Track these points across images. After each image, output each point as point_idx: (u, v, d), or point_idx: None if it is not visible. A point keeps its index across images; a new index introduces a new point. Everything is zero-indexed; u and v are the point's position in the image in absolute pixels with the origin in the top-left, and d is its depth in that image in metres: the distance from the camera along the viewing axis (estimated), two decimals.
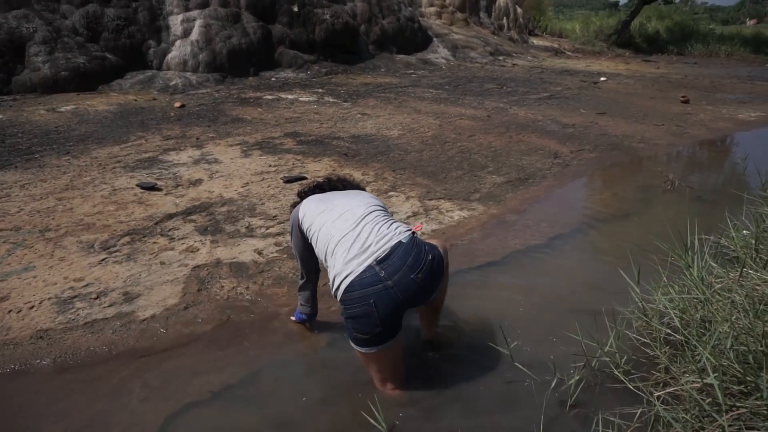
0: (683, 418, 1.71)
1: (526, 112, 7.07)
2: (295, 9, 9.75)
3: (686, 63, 15.71)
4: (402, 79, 9.33)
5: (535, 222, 3.70)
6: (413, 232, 1.96)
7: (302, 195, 2.27)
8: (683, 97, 8.61)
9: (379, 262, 1.82)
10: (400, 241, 1.88)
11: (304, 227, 2.07)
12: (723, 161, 5.92)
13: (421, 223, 1.88)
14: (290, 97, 7.33)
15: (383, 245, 1.86)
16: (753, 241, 2.62)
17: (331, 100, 7.26)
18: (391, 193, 3.99)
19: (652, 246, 2.89)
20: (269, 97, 7.29)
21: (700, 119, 7.28)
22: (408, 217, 3.60)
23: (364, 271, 1.80)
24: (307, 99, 7.25)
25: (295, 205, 2.24)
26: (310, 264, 2.21)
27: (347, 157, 4.72)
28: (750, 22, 26.81)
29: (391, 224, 1.98)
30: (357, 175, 4.25)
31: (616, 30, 19.24)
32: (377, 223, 1.96)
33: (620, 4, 27.37)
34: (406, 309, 1.88)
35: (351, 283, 1.79)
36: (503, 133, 5.88)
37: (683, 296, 2.22)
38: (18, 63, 6.75)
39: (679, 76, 12.04)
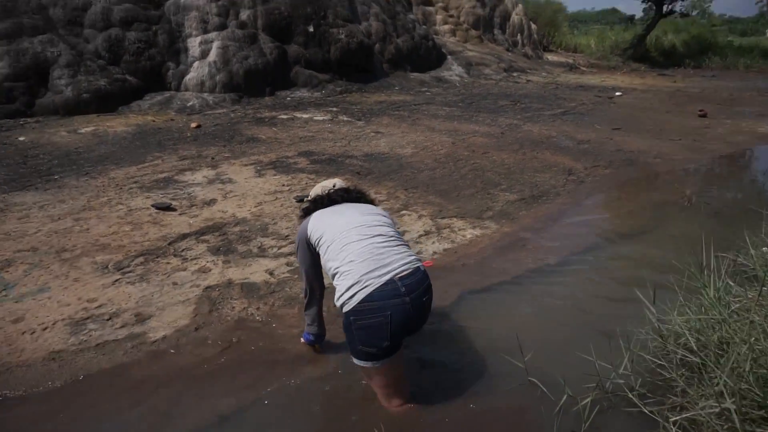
0: None
1: (540, 128, 7.04)
2: (311, 29, 9.91)
3: (704, 76, 15.54)
4: (416, 97, 9.39)
5: (549, 240, 3.66)
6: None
7: (308, 210, 2.27)
8: (701, 111, 8.50)
9: (401, 278, 1.86)
10: (418, 267, 1.96)
11: (313, 239, 2.08)
12: (742, 176, 5.81)
13: (432, 260, 1.91)
14: (305, 116, 7.41)
15: (405, 264, 1.91)
16: None
17: (345, 118, 7.32)
18: (404, 211, 3.98)
19: (669, 265, 2.84)
20: (284, 116, 7.38)
21: (718, 133, 7.18)
22: (420, 236, 3.59)
23: (385, 284, 1.83)
24: (321, 118, 7.32)
25: (302, 218, 2.25)
26: (316, 280, 2.22)
27: (360, 176, 4.73)
28: None
29: (407, 248, 2.05)
30: (370, 194, 4.25)
31: (632, 44, 19.17)
32: (396, 243, 2.01)
33: (636, 18, 27.27)
34: (408, 330, 1.90)
35: (371, 293, 1.81)
36: (517, 150, 5.86)
37: (700, 317, 2.17)
38: (41, 86, 6.95)
39: (696, 90, 11.91)
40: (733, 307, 2.21)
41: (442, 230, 3.70)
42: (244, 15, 9.15)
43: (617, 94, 10.63)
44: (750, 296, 2.27)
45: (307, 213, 2.24)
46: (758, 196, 4.87)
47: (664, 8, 19.51)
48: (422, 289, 1.91)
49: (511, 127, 7.08)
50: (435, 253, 3.36)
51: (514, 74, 12.86)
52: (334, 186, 2.31)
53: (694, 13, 25.76)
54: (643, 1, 20.38)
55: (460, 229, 3.73)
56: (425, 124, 7.05)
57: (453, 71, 11.98)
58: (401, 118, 7.42)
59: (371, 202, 2.35)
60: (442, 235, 3.63)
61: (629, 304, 2.57)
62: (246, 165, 5.00)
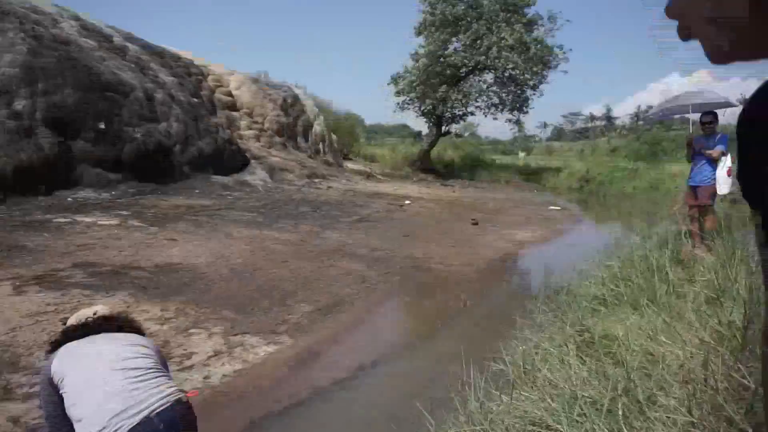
0: None
1: (338, 235, 7.42)
2: (102, 126, 9.28)
3: (476, 188, 18.31)
4: (217, 201, 9.23)
5: (343, 352, 3.75)
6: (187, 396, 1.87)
7: (57, 343, 1.98)
8: (473, 220, 9.90)
9: (159, 414, 1.68)
10: (179, 399, 1.78)
11: (57, 380, 1.80)
12: (505, 279, 6.79)
13: (197, 390, 1.81)
14: (88, 219, 6.70)
15: (163, 398, 1.73)
16: (521, 363, 2.96)
17: (136, 223, 6.81)
18: (193, 330, 3.74)
19: (446, 372, 3.10)
20: (62, 219, 6.58)
21: (487, 240, 8.37)
22: (209, 357, 3.38)
23: (139, 424, 1.63)
24: (107, 222, 6.69)
25: (49, 353, 1.95)
26: (64, 430, 1.90)
27: (146, 291, 4.36)
28: (521, 155, 32.86)
29: (167, 378, 1.87)
30: (155, 312, 3.93)
31: (419, 157, 21.96)
32: (154, 375, 1.82)
33: (422, 134, 31.58)
34: None
35: None
36: (315, 258, 6.04)
37: (465, 429, 2.38)
38: None
39: (470, 200, 13.90)
40: (494, 413, 2.48)
41: (234, 349, 3.54)
42: (20, 105, 8.24)
43: (407, 202, 11.86)
44: (505, 401, 2.58)
45: (55, 347, 1.95)
46: (515, 298, 5.71)
47: (443, 128, 22.93)
48: (185, 423, 1.75)
49: (311, 234, 7.34)
50: (225, 375, 3.18)
51: (316, 180, 13.56)
52: (94, 314, 2.07)
53: (466, 134, 30.90)
54: (426, 121, 23.71)
55: (253, 347, 3.62)
56: (224, 231, 6.91)
57: (257, 176, 12.17)
58: (199, 224, 7.17)
59: (138, 330, 2.16)
60: (234, 354, 3.47)
61: (416, 419, 2.71)
62: (1, 281, 4.25)
